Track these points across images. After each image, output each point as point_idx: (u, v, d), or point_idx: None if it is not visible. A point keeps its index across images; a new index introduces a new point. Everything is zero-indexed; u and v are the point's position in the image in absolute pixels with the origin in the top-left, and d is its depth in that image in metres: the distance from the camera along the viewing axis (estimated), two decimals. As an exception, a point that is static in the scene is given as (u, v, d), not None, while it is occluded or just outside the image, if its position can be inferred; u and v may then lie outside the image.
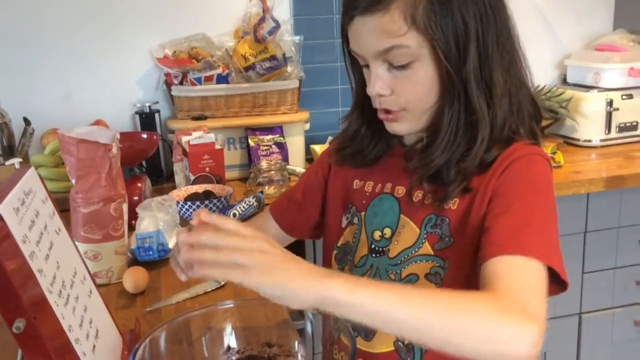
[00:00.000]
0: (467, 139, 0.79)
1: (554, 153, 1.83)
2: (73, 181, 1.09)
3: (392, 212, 0.88)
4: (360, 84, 0.89)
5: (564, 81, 2.25)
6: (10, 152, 1.76)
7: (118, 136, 1.14)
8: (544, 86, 2.13)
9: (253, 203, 1.50)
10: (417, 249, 0.84)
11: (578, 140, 2.07)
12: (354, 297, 0.61)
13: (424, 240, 0.84)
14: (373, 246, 0.89)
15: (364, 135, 0.91)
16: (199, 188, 1.53)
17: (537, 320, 0.63)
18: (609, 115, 2.02)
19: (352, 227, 0.94)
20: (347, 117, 0.95)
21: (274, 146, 1.82)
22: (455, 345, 0.62)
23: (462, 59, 0.76)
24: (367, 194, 0.92)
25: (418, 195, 0.85)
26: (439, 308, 0.62)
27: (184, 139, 1.60)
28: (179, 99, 1.85)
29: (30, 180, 0.78)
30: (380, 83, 0.80)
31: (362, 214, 0.92)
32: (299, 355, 0.74)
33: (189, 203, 1.40)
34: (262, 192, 1.57)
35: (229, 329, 0.75)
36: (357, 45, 0.80)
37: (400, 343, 0.85)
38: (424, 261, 0.83)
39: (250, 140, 1.82)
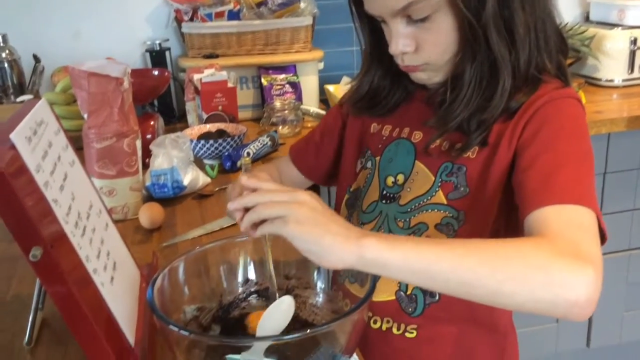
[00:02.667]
0: (490, 89, 0.75)
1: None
2: (85, 116, 1.07)
3: (407, 158, 0.85)
4: (371, 43, 0.85)
5: (587, 19, 2.18)
6: (20, 90, 1.74)
7: (129, 70, 1.11)
8: (566, 24, 2.05)
9: (267, 142, 1.48)
10: (429, 197, 0.81)
11: (600, 80, 2.02)
12: (395, 254, 0.58)
13: (437, 189, 0.81)
14: (385, 192, 0.87)
15: (381, 86, 0.88)
16: (212, 127, 1.50)
17: (593, 261, 0.59)
18: (633, 54, 1.96)
19: (365, 171, 0.91)
20: (358, 77, 0.90)
21: (287, 85, 1.78)
22: (508, 293, 0.58)
23: (480, 2, 0.71)
24: (384, 138, 0.89)
25: (435, 142, 0.82)
26: (487, 255, 0.59)
27: (196, 77, 1.57)
28: (189, 36, 1.81)
29: (41, 111, 0.76)
30: (402, 41, 0.76)
31: (377, 158, 0.89)
32: (318, 287, 0.73)
33: (202, 141, 1.38)
34: (275, 131, 1.55)
35: (246, 261, 0.74)
36: (372, 5, 0.76)
37: (402, 293, 0.83)
38: (435, 210, 0.81)
39: (263, 80, 1.79)
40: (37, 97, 1.74)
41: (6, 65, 1.70)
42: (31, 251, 0.59)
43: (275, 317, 0.63)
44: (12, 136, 0.61)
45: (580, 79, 2.02)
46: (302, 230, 0.58)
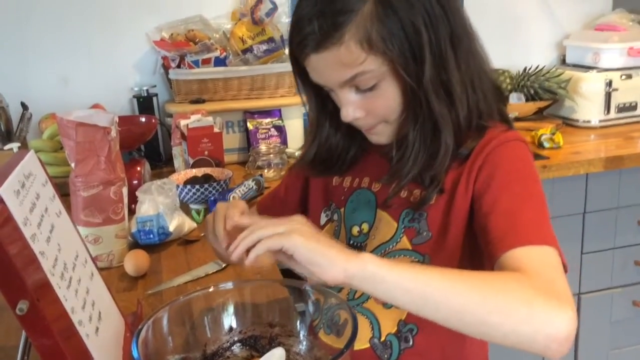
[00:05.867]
0: (433, 147, 0.79)
1: (553, 134, 1.83)
2: (72, 165, 1.08)
3: (369, 207, 0.88)
4: (318, 108, 0.88)
5: (563, 62, 2.24)
6: (8, 137, 1.75)
7: (117, 119, 1.14)
8: (543, 67, 2.12)
9: (252, 186, 1.50)
10: (394, 244, 0.84)
11: (577, 121, 2.06)
12: (392, 273, 0.62)
13: (401, 235, 0.84)
14: (351, 242, 0.89)
15: (334, 146, 0.90)
16: (198, 171, 1.52)
17: (569, 300, 0.63)
18: (608, 96, 2.01)
19: (332, 223, 0.94)
20: (307, 144, 0.93)
21: (272, 129, 1.82)
22: (494, 324, 0.62)
23: (419, 68, 0.75)
24: (346, 189, 0.92)
25: (395, 190, 0.84)
26: (478, 285, 0.63)
27: (183, 122, 1.59)
28: (176, 83, 1.84)
29: (30, 163, 0.78)
30: (352, 108, 0.79)
31: (342, 210, 0.92)
32: (301, 335, 0.75)
33: (188, 186, 1.40)
34: (261, 175, 1.57)
35: (230, 309, 0.76)
36: (318, 77, 0.79)
37: (376, 340, 0.85)
38: (402, 256, 0.83)
39: (248, 124, 1.82)
40: (25, 144, 1.75)
41: (-6, 112, 1.71)
42: (18, 304, 0.60)
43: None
44: (1, 190, 0.62)
45: (558, 120, 2.07)
46: (306, 241, 0.63)
